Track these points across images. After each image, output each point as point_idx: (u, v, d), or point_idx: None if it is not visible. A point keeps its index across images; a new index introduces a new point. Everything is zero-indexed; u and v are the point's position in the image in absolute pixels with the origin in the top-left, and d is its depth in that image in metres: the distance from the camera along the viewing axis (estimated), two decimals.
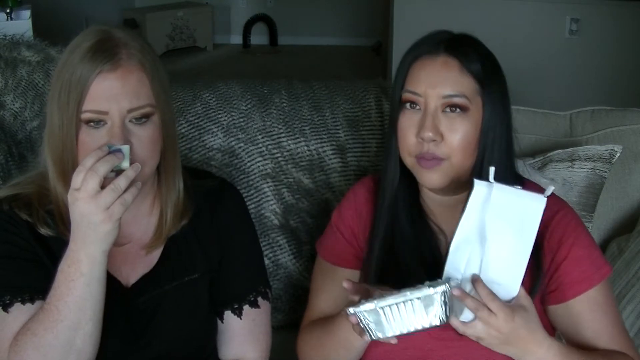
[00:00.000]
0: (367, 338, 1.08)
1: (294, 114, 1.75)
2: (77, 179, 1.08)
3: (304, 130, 1.74)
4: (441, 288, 1.03)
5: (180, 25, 6.60)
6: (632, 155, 1.73)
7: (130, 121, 1.15)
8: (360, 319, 1.06)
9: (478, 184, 1.12)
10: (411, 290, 1.05)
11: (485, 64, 1.22)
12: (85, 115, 1.13)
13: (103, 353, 1.18)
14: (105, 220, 1.08)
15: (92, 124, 1.14)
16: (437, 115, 1.19)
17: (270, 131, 1.73)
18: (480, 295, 1.08)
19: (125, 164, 1.11)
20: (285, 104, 1.76)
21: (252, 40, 7.00)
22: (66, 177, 1.17)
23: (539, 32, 4.31)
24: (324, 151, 1.73)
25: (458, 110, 1.19)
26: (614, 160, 1.66)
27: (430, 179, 1.21)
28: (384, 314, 1.05)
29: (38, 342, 1.12)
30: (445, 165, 1.20)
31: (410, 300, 1.04)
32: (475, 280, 1.09)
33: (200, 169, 1.58)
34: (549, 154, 1.68)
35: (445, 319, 1.05)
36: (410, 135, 1.21)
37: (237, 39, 7.08)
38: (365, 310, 1.05)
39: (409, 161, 1.23)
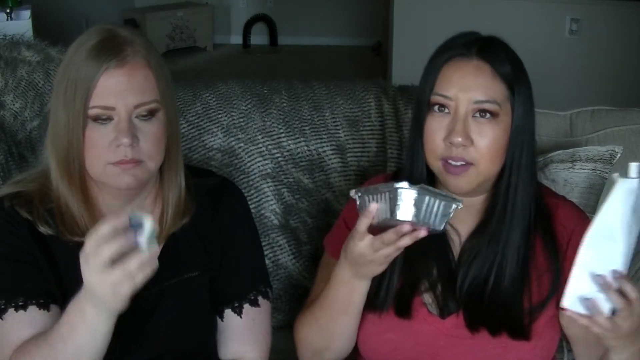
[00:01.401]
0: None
1: (294, 114, 1.75)
2: (88, 244, 1.01)
3: (304, 130, 1.74)
4: (413, 190, 1.07)
5: (180, 25, 6.60)
6: (633, 156, 1.73)
7: (136, 117, 1.16)
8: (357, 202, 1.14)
9: (623, 182, 1.10)
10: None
11: (515, 68, 1.21)
12: (92, 112, 1.14)
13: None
14: (110, 297, 1.02)
15: (99, 120, 1.14)
16: (467, 120, 1.18)
17: (270, 131, 1.73)
18: (626, 290, 1.07)
19: (142, 239, 1.02)
20: (285, 104, 1.76)
21: (252, 40, 6.99)
22: (71, 176, 1.18)
23: (539, 32, 4.31)
24: (324, 151, 1.73)
25: (488, 115, 1.18)
26: (615, 160, 1.66)
27: (458, 185, 1.21)
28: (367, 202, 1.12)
29: None
30: (473, 172, 1.20)
31: (382, 193, 1.09)
32: (620, 277, 1.08)
33: (202, 167, 1.58)
34: (549, 155, 1.67)
35: (410, 219, 1.07)
36: (437, 138, 1.20)
37: (237, 39, 7.08)
38: (354, 196, 1.14)
39: (436, 165, 1.23)
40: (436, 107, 1.21)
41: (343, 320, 1.27)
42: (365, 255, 1.13)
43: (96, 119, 1.14)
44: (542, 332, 1.25)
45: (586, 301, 1.09)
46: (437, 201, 1.09)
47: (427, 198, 1.08)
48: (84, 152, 1.15)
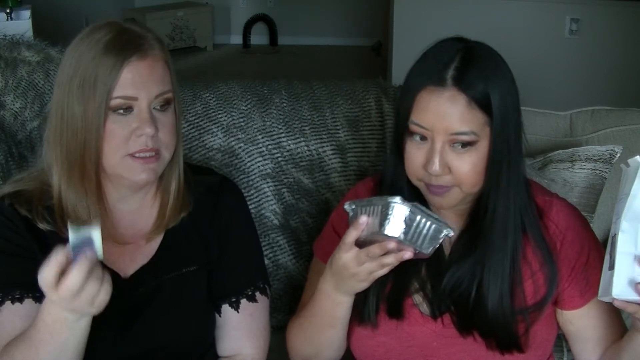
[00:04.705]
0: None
1: (294, 114, 1.75)
2: (45, 288, 1.04)
3: (304, 130, 1.74)
4: (406, 207, 1.05)
5: (180, 25, 6.60)
6: (632, 156, 1.72)
7: (154, 108, 1.19)
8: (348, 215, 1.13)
9: None
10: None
11: (496, 90, 1.15)
12: (114, 102, 1.16)
13: (99, 344, 1.19)
14: (73, 314, 1.07)
15: (120, 111, 1.17)
16: (445, 150, 1.16)
17: (270, 131, 1.73)
18: None
19: (99, 253, 1.04)
20: (285, 104, 1.76)
21: (252, 40, 6.99)
22: (84, 171, 1.19)
23: (539, 32, 4.31)
24: (324, 151, 1.73)
25: (466, 146, 1.16)
26: (614, 160, 1.66)
27: (439, 203, 1.21)
28: (358, 214, 1.10)
29: None
30: (455, 191, 1.19)
31: (375, 206, 1.08)
32: None
33: (202, 166, 1.58)
34: (549, 155, 1.68)
35: (398, 235, 1.05)
36: (417, 164, 1.18)
37: (237, 39, 7.07)
38: (348, 209, 1.13)
39: (417, 183, 1.22)
40: (414, 136, 1.18)
41: (329, 333, 1.27)
42: (349, 268, 1.12)
43: (116, 109, 1.17)
44: (538, 331, 1.25)
45: (637, 285, 1.07)
46: (429, 223, 1.06)
47: (418, 217, 1.05)
48: (104, 143, 1.17)
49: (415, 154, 1.18)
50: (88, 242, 1.03)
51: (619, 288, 1.08)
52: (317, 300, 1.25)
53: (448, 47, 1.18)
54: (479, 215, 1.22)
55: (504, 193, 1.20)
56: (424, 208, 1.07)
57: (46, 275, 1.03)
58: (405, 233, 1.05)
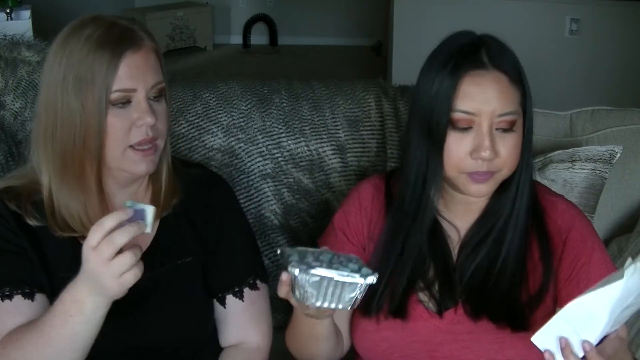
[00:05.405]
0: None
1: (294, 114, 1.75)
2: (93, 237, 1.05)
3: (304, 130, 1.74)
4: (362, 281, 1.02)
5: (180, 25, 6.60)
6: (632, 156, 1.73)
7: (149, 98, 1.20)
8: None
9: (617, 284, 1.01)
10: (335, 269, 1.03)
11: (520, 69, 1.20)
12: (114, 96, 1.17)
13: (96, 338, 1.18)
14: (115, 287, 1.07)
15: (120, 104, 1.17)
16: (492, 134, 1.17)
17: (270, 131, 1.73)
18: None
19: (148, 229, 1.08)
20: (285, 104, 1.76)
21: (252, 40, 6.99)
22: (84, 169, 1.19)
23: (539, 32, 4.31)
24: (324, 151, 1.73)
25: (510, 127, 1.18)
26: (614, 160, 1.66)
27: (480, 190, 1.21)
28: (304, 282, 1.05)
29: (22, 356, 1.15)
30: (498, 175, 1.20)
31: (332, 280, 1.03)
32: (590, 350, 1.04)
33: (191, 161, 1.59)
34: (549, 155, 1.68)
35: (350, 307, 1.04)
36: (462, 154, 1.18)
37: (237, 39, 7.08)
38: (278, 253, 1.11)
39: (456, 177, 1.21)
40: (459, 124, 1.17)
41: (314, 345, 1.28)
42: (299, 310, 1.14)
43: (116, 103, 1.17)
44: (540, 326, 1.25)
45: (546, 352, 1.07)
46: (340, 284, 1.02)
47: (325, 283, 1.02)
48: (107, 137, 1.18)
49: (459, 145, 1.18)
50: (140, 215, 1.08)
51: (539, 340, 1.07)
52: (295, 320, 1.26)
53: (464, 37, 1.21)
54: (500, 211, 1.24)
55: (528, 173, 1.23)
56: (326, 270, 1.03)
57: (107, 223, 1.04)
58: (317, 299, 1.03)
